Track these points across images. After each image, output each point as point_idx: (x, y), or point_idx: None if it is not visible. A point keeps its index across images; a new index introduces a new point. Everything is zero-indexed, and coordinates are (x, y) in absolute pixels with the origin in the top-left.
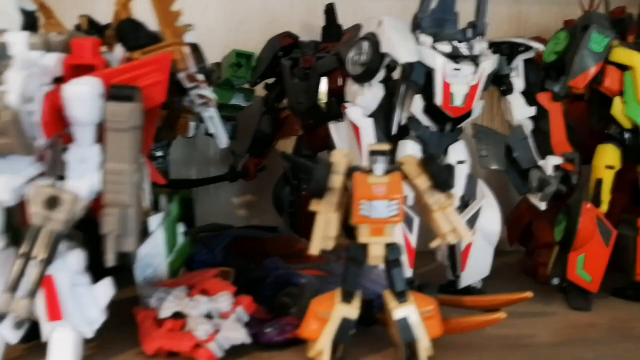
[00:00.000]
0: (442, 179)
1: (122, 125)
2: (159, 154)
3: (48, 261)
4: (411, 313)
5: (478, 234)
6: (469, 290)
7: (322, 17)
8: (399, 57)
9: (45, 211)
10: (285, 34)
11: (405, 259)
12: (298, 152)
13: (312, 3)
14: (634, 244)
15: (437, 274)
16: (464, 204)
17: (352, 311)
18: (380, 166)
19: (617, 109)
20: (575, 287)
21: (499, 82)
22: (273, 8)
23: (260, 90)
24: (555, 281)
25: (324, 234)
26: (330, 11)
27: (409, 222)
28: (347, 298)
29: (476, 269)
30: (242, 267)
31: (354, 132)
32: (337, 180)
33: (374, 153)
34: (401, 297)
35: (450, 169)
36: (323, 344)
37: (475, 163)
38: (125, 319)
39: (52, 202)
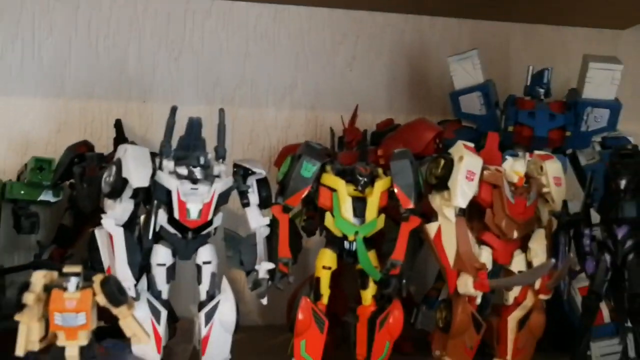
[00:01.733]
0: (112, 297)
1: None
2: None
3: None
4: None
5: (216, 322)
6: None
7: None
8: (132, 182)
9: None
10: (82, 142)
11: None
12: (90, 245)
13: (128, 111)
14: (355, 330)
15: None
16: (210, 297)
17: None
18: (72, 284)
19: (329, 221)
20: None
21: (241, 196)
22: (92, 112)
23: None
24: None
25: (28, 339)
26: (118, 125)
27: (156, 315)
28: None
29: (216, 351)
30: None
31: (109, 239)
32: (30, 298)
33: (67, 274)
34: None
35: (120, 289)
36: None
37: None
38: None
39: None
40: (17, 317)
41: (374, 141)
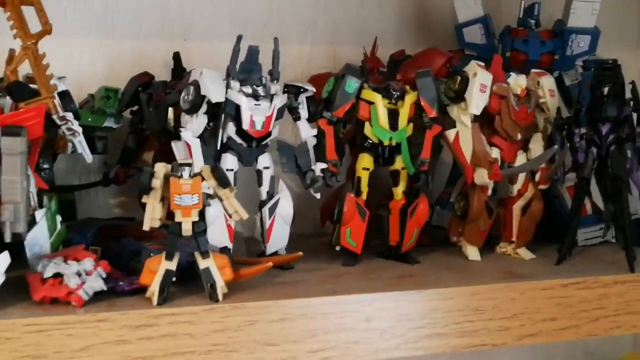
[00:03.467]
0: (222, 180)
1: (13, 151)
2: (46, 166)
3: None
4: (210, 264)
5: (277, 216)
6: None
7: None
8: (212, 98)
9: None
10: (143, 73)
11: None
12: (155, 161)
13: (170, 48)
14: (387, 221)
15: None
16: (270, 196)
17: (172, 265)
18: (186, 173)
19: (368, 130)
20: (346, 250)
21: (291, 112)
22: (139, 50)
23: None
24: (337, 247)
25: (152, 217)
26: (176, 57)
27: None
28: (169, 257)
29: (277, 240)
30: (106, 246)
31: (187, 148)
32: (156, 183)
33: (181, 164)
34: (205, 255)
35: (223, 175)
36: (154, 287)
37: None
38: (19, 287)
39: None
40: (144, 200)
41: (390, 69)
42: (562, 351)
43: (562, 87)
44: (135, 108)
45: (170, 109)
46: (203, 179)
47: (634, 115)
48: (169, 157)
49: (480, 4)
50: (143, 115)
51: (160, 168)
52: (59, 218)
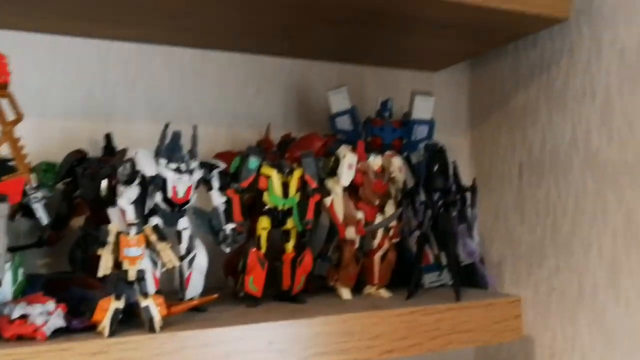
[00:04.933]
0: (161, 235)
1: (0, 214)
2: None
3: None
4: (150, 303)
5: (195, 267)
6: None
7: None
8: (145, 173)
9: None
10: (77, 150)
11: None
12: (87, 224)
13: (94, 129)
14: (281, 270)
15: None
16: (188, 251)
17: (121, 304)
18: (133, 231)
19: (266, 197)
20: (249, 295)
21: (205, 184)
22: (68, 130)
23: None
24: (241, 294)
25: (106, 266)
26: (108, 138)
27: (154, 263)
28: (118, 297)
29: (194, 288)
30: (55, 294)
31: (121, 214)
32: (110, 238)
33: (129, 225)
34: (145, 295)
35: (162, 232)
36: (105, 322)
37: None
38: None
39: None
40: (99, 252)
41: (280, 148)
42: None
43: (411, 165)
44: (68, 180)
45: (104, 181)
46: (146, 236)
47: (454, 186)
48: (99, 221)
49: (348, 98)
50: (76, 186)
51: (113, 227)
52: (21, 270)
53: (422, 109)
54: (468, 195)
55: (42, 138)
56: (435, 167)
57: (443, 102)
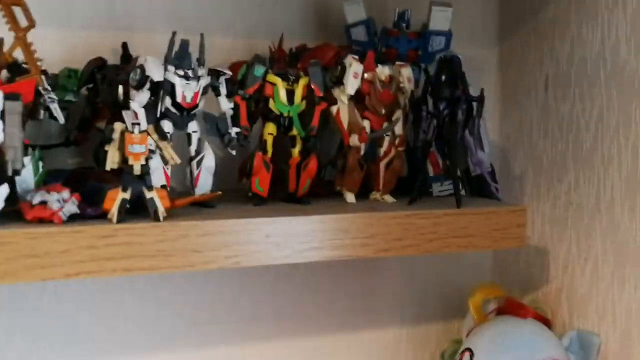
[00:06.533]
0: (162, 135)
1: (14, 111)
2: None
3: None
4: (154, 195)
5: (203, 167)
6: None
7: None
8: (153, 77)
9: None
10: (98, 58)
11: (162, 177)
12: (107, 127)
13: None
14: (287, 174)
15: None
16: (197, 153)
17: (127, 195)
18: (136, 129)
19: (271, 104)
20: (256, 195)
21: (214, 90)
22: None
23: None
24: (250, 194)
25: (112, 160)
26: (124, 47)
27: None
28: (124, 189)
29: (203, 186)
30: (75, 187)
31: (135, 115)
32: (115, 136)
33: (133, 124)
34: (149, 188)
35: (163, 131)
36: (114, 210)
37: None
38: (13, 214)
39: None
40: (106, 148)
41: (291, 58)
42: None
43: (429, 77)
44: (90, 85)
45: (120, 86)
46: (148, 134)
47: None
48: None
49: (364, 8)
50: (97, 91)
51: (118, 126)
52: (40, 164)
53: (440, 19)
54: (475, 105)
55: (67, 46)
56: (443, 76)
57: (473, 14)
